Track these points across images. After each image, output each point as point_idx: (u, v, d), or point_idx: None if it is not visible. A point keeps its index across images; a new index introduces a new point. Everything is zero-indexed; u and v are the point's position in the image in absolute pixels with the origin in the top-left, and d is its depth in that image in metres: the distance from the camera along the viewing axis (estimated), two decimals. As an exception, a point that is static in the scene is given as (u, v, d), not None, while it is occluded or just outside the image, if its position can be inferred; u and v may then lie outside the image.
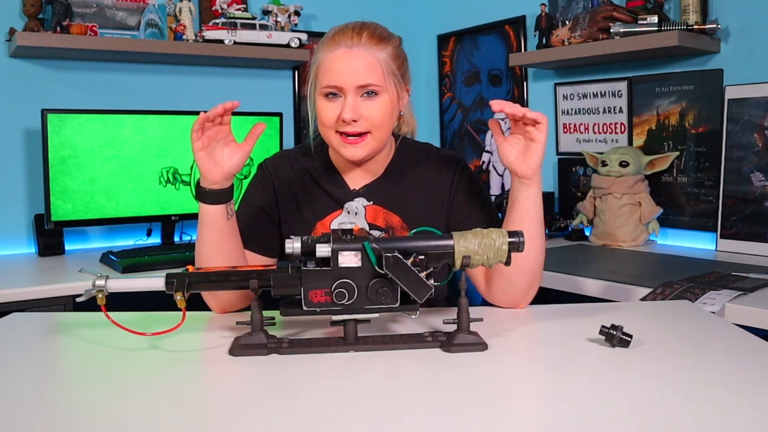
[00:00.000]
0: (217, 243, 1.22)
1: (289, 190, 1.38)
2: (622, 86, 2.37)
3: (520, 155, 1.21)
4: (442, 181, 1.39)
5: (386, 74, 1.27)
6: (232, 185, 1.22)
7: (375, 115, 1.26)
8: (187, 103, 2.60)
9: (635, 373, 0.92)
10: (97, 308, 1.05)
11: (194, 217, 2.39)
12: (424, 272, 1.00)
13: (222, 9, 2.57)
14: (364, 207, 1.36)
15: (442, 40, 3.09)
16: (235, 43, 2.50)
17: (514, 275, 1.24)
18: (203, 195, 1.20)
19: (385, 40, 1.29)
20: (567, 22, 2.43)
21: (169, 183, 2.33)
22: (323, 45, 1.29)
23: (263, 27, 2.56)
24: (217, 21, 2.51)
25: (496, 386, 0.90)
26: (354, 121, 1.25)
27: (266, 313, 1.04)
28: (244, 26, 2.52)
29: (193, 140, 1.16)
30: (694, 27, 2.04)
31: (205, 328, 1.19)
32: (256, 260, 1.35)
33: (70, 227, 2.25)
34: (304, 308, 1.01)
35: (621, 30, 2.12)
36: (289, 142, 2.83)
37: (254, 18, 2.56)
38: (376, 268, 0.99)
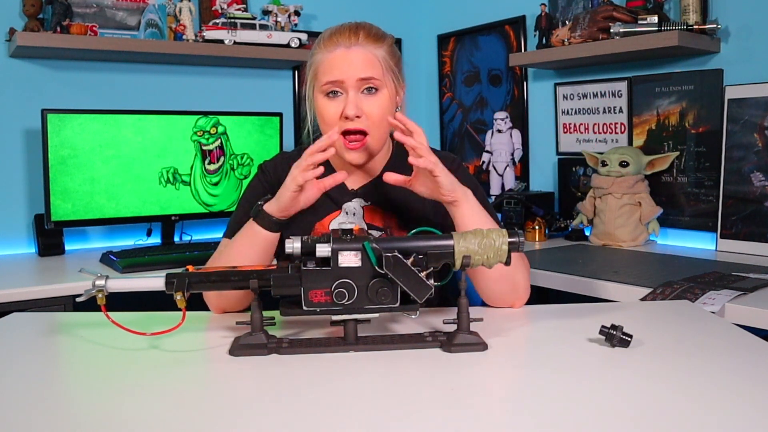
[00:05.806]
0: (257, 260, 1.24)
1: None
2: (622, 86, 2.37)
3: (434, 190, 1.22)
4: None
5: (385, 70, 1.29)
6: None
7: (375, 111, 1.28)
8: (187, 103, 2.60)
9: (635, 373, 0.92)
10: (97, 308, 1.05)
11: (194, 217, 2.40)
12: (424, 272, 1.01)
13: (222, 9, 2.56)
14: (362, 207, 1.36)
15: (442, 40, 3.09)
16: (235, 43, 2.49)
17: (491, 283, 1.26)
18: (269, 222, 1.22)
19: (381, 39, 1.31)
20: (567, 22, 2.43)
21: (169, 183, 2.33)
22: (320, 46, 1.30)
23: (263, 27, 2.56)
24: (217, 21, 2.51)
25: (496, 386, 0.90)
26: (357, 117, 1.26)
27: (266, 313, 1.04)
28: (244, 26, 2.52)
29: (304, 173, 1.17)
30: (694, 27, 2.04)
31: (205, 328, 1.19)
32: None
33: (70, 227, 2.25)
34: (304, 308, 1.01)
35: (621, 30, 2.12)
36: (289, 142, 2.82)
37: (254, 18, 2.56)
38: (376, 268, 0.99)
